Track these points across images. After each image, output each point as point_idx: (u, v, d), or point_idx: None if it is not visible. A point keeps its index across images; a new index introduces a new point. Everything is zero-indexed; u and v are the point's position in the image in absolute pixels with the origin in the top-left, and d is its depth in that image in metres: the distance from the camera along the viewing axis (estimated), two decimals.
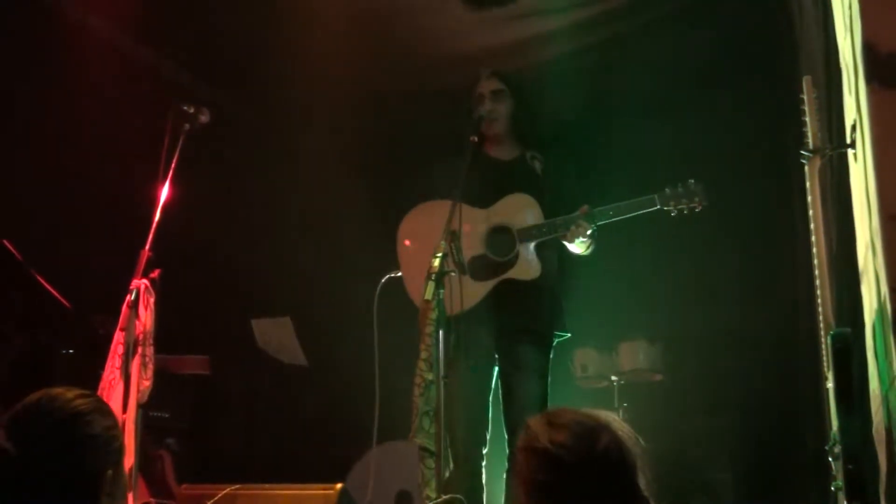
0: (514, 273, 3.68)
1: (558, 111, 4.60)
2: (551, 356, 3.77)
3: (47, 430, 1.82)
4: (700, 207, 3.65)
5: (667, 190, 3.65)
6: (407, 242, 3.82)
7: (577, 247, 3.75)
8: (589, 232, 3.65)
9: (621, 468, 1.79)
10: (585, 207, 3.65)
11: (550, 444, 1.78)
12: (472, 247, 3.59)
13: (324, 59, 4.99)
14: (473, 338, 3.54)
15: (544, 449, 1.79)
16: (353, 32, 4.94)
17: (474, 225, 3.49)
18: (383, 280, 3.63)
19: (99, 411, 1.89)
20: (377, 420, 3.47)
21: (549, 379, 3.73)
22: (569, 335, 3.85)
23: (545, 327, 3.76)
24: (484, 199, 3.73)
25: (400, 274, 3.73)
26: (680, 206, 3.65)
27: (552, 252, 3.80)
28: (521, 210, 3.72)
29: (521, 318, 3.71)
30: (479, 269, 3.66)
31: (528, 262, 3.68)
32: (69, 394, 1.90)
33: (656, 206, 3.65)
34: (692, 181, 3.65)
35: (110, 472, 1.82)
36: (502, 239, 3.71)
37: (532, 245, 3.70)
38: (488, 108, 3.81)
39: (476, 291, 3.60)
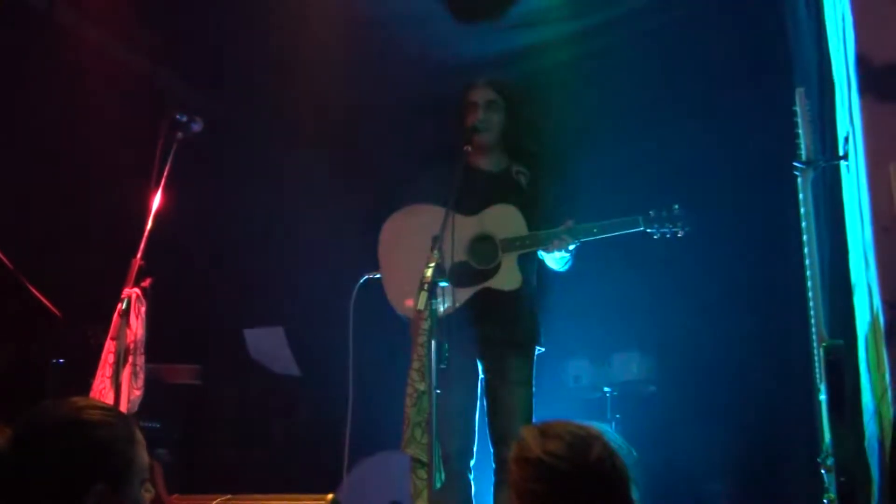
0: (494, 283, 3.66)
1: (546, 125, 4.60)
2: (535, 366, 3.74)
3: (43, 433, 1.80)
4: (681, 234, 3.64)
5: (651, 213, 3.64)
6: (388, 243, 3.80)
7: (555, 262, 3.73)
8: (571, 247, 3.63)
9: (614, 478, 1.79)
10: (570, 222, 3.63)
11: (544, 453, 1.78)
12: (455, 253, 3.57)
13: (315, 69, 4.99)
14: (457, 349, 3.52)
15: (538, 458, 1.78)
16: (344, 42, 4.94)
17: (458, 232, 3.47)
18: (361, 280, 3.61)
19: (108, 424, 1.85)
20: (349, 427, 3.44)
21: (535, 389, 3.70)
22: (543, 350, 3.81)
23: (527, 338, 3.73)
24: (469, 207, 3.70)
25: (378, 275, 3.71)
26: (662, 230, 3.64)
27: (532, 265, 3.78)
28: (506, 220, 3.70)
29: (502, 329, 3.68)
30: (461, 275, 3.64)
31: (509, 273, 3.66)
32: (83, 402, 1.87)
33: (640, 227, 3.65)
34: (677, 206, 3.64)
35: (100, 485, 1.78)
36: (485, 248, 3.69)
37: (514, 256, 3.68)
38: (481, 118, 3.80)
39: (456, 297, 3.59)
